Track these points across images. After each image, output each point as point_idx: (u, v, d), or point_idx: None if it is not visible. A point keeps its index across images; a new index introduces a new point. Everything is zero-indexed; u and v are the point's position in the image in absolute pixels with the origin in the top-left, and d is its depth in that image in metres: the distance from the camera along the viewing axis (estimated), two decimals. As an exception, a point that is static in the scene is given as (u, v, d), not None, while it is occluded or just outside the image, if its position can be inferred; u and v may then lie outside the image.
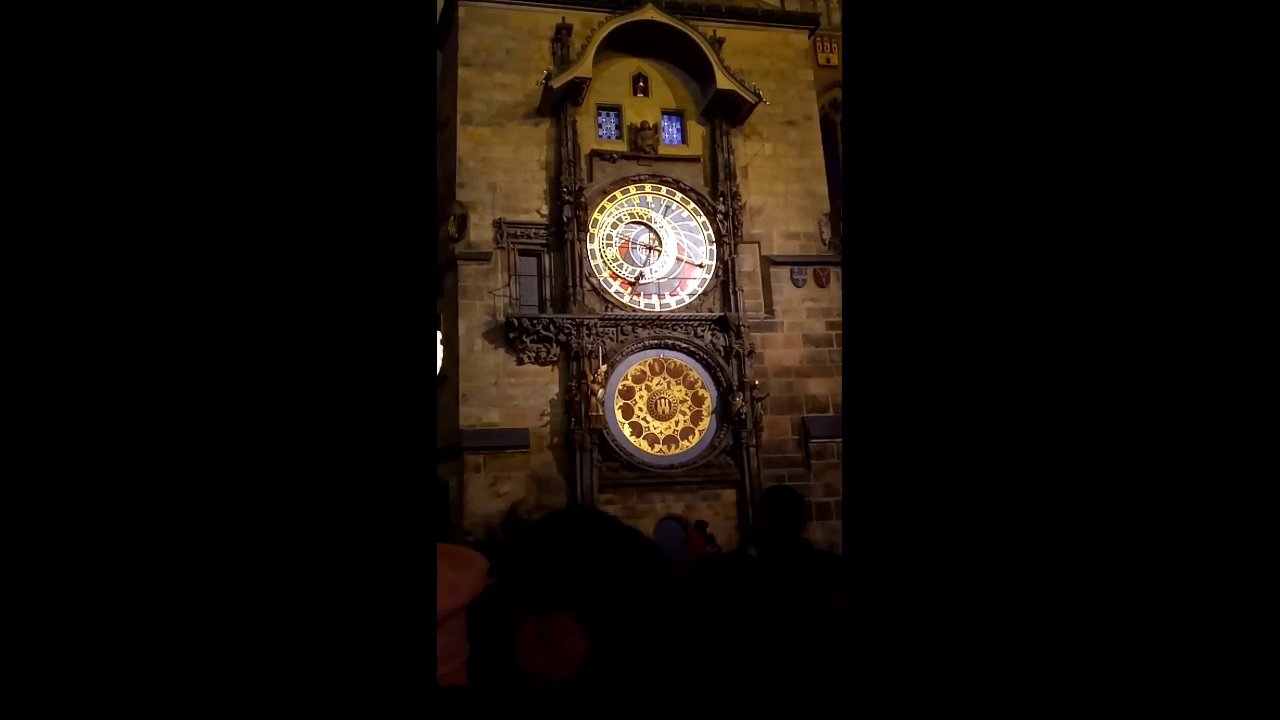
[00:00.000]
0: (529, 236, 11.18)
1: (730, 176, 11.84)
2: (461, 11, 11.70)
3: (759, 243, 11.94)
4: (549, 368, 10.82)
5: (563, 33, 11.74)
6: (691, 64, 11.95)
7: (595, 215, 11.35)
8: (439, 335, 10.93)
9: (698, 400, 11.22)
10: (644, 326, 11.14)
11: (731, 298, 11.43)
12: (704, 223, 11.66)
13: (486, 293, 10.89)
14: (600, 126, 11.84)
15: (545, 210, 11.28)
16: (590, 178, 11.44)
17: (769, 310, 11.74)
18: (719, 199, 11.70)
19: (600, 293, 11.12)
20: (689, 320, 11.28)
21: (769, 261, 11.90)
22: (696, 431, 11.13)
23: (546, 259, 11.20)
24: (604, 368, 10.79)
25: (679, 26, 11.75)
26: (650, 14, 11.66)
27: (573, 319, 10.80)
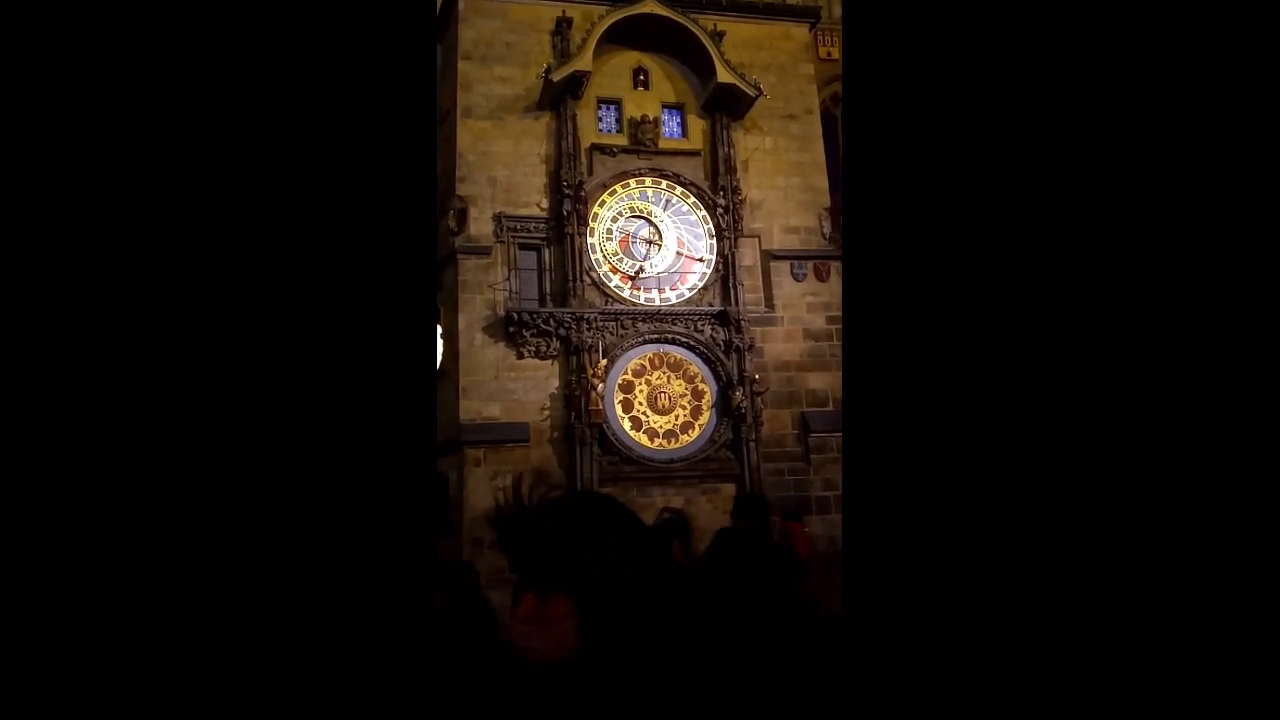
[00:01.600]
0: (529, 230, 11.16)
1: (730, 170, 11.81)
2: (461, 4, 11.65)
3: (759, 237, 11.91)
4: (549, 362, 10.82)
5: (563, 26, 11.70)
6: (692, 57, 11.90)
7: (595, 209, 11.33)
8: (439, 329, 10.93)
9: (697, 394, 11.22)
10: (644, 321, 11.13)
11: (731, 292, 11.42)
12: (704, 217, 11.64)
13: (486, 287, 10.87)
14: (600, 120, 11.80)
15: (545, 204, 11.25)
16: (590, 172, 11.42)
17: (769, 305, 11.73)
18: (719, 193, 11.67)
19: (600, 287, 11.11)
20: (689, 314, 11.26)
21: (769, 256, 11.88)
22: (696, 426, 11.13)
23: (546, 253, 11.18)
24: (604, 362, 10.78)
25: (679, 20, 11.71)
26: (651, 7, 11.62)
27: (573, 313, 10.79)
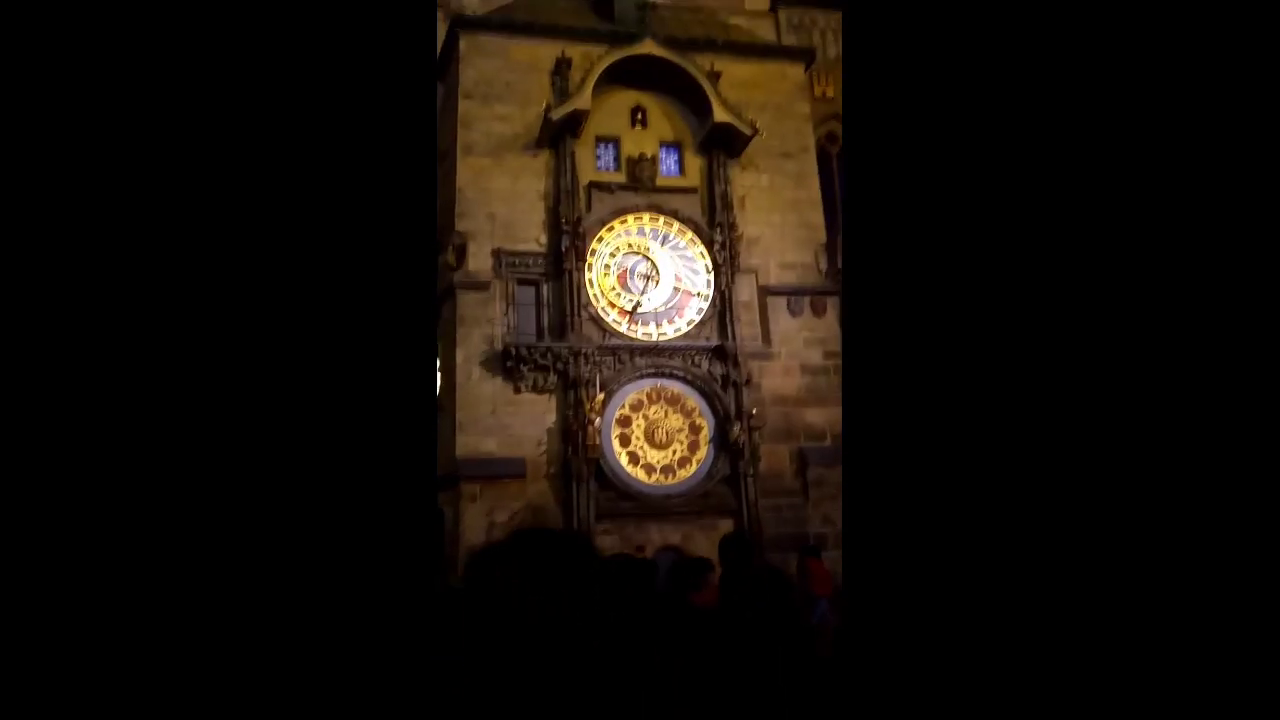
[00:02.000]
0: (527, 266, 11.23)
1: (727, 207, 11.92)
2: (462, 44, 11.85)
3: (756, 273, 11.99)
4: (546, 396, 10.80)
5: (562, 66, 11.89)
6: (689, 97, 12.08)
7: (593, 245, 11.41)
8: (437, 363, 10.92)
9: (695, 429, 11.19)
10: (641, 355, 11.15)
11: (728, 327, 11.46)
12: (701, 252, 11.72)
13: (484, 321, 10.90)
14: (599, 158, 11.94)
15: (543, 240, 11.34)
16: (589, 208, 11.52)
17: (766, 340, 11.76)
18: (716, 229, 11.77)
19: (598, 322, 11.14)
20: (686, 349, 11.29)
21: (766, 291, 11.94)
22: (694, 461, 11.08)
23: (545, 288, 11.23)
24: (601, 396, 10.77)
25: (677, 61, 11.89)
26: (649, 49, 11.81)
27: (570, 348, 10.81)
